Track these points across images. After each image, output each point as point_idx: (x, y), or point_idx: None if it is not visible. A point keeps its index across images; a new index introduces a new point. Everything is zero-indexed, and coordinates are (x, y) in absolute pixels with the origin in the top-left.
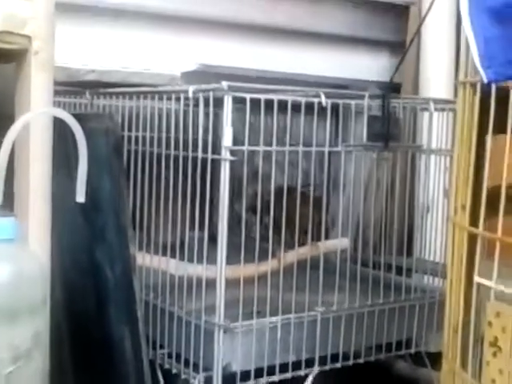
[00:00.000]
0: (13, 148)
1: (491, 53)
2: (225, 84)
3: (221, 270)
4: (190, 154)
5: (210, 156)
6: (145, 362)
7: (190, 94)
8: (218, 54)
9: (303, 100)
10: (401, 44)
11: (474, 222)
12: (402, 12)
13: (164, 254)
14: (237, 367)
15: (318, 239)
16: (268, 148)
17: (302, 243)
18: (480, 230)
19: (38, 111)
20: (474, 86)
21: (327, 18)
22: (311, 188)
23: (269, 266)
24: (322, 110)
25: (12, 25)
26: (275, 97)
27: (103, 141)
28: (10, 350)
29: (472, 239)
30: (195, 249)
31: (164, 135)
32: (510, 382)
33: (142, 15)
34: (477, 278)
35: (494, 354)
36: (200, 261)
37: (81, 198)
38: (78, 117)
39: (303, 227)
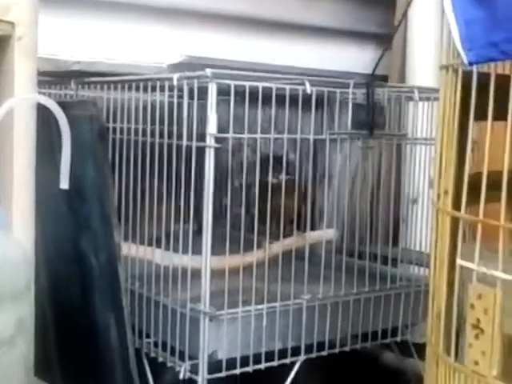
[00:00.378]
0: None
1: (472, 35)
2: (209, 71)
3: (206, 258)
4: (175, 142)
5: (194, 143)
6: (130, 350)
7: (175, 82)
8: (205, 45)
9: (288, 87)
10: (388, 36)
11: (457, 207)
12: (389, 5)
13: (150, 244)
14: (222, 355)
15: (305, 230)
16: (253, 135)
17: (288, 234)
18: (462, 213)
19: (21, 97)
20: (456, 70)
21: (314, 11)
22: (296, 178)
23: (254, 256)
24: (308, 100)
25: None
26: (260, 84)
27: (87, 128)
28: None
29: (456, 224)
30: (180, 239)
31: (149, 126)
32: (492, 363)
33: (128, 6)
34: (459, 261)
35: (477, 337)
36: (186, 251)
37: (64, 184)
38: (62, 104)
39: (289, 217)
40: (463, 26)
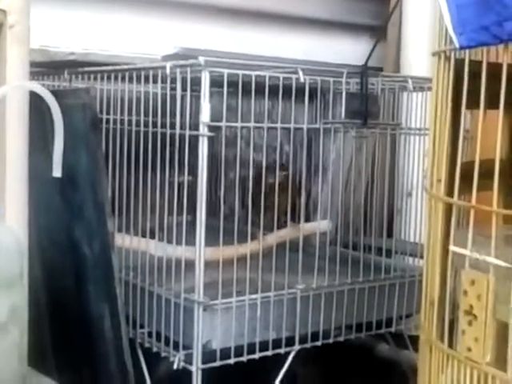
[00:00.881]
0: None
1: (464, 19)
2: (202, 59)
3: (200, 248)
4: (168, 131)
5: (187, 132)
6: (124, 340)
7: (168, 70)
8: (199, 37)
9: (281, 76)
10: (382, 28)
11: (450, 195)
12: None
13: (144, 235)
14: (217, 345)
15: (300, 221)
16: (246, 124)
17: (283, 225)
18: (455, 199)
19: (13, 85)
20: (448, 57)
21: (308, 2)
22: (289, 169)
23: (248, 247)
24: (302, 90)
25: None
26: (253, 72)
27: (80, 116)
28: None
29: (448, 211)
30: (174, 230)
31: (142, 117)
32: (485, 350)
33: None
34: (452, 247)
35: (470, 323)
36: (180, 242)
37: (57, 173)
38: (55, 93)
39: (283, 208)
40: (455, 10)
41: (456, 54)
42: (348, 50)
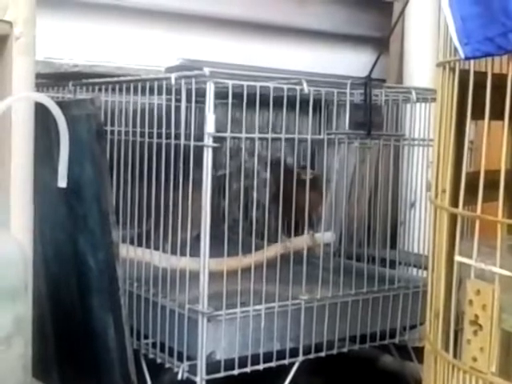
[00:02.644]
0: None
1: (469, 30)
2: (207, 70)
3: (204, 259)
4: (173, 142)
5: (192, 143)
6: (129, 350)
7: (173, 81)
8: (203, 49)
9: (285, 87)
10: (385, 40)
11: (454, 205)
12: (386, 8)
13: (147, 245)
14: (221, 356)
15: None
16: (251, 135)
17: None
18: (460, 209)
19: (19, 95)
20: (452, 68)
21: (312, 14)
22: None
23: (252, 258)
24: (306, 102)
25: None
26: (257, 83)
27: (85, 127)
28: None
29: (453, 221)
30: (178, 241)
31: (147, 128)
32: (490, 360)
33: (126, 10)
34: (457, 257)
35: (475, 333)
36: (184, 253)
37: (62, 183)
38: (60, 104)
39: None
40: (460, 21)
41: (460, 65)
42: (351, 62)
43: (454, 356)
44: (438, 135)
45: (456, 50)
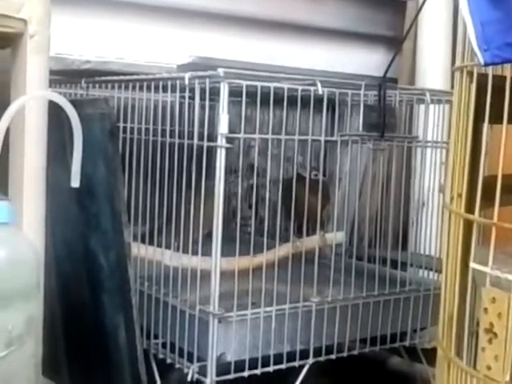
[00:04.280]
0: (7, 132)
1: (489, 35)
2: (221, 71)
3: (216, 259)
4: (186, 142)
5: (205, 143)
6: (139, 350)
7: (186, 81)
8: (215, 46)
9: (300, 88)
10: (398, 39)
11: (470, 210)
12: (400, 7)
13: (159, 244)
14: (231, 357)
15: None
16: (264, 136)
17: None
18: (476, 216)
19: (33, 94)
20: (470, 73)
21: (324, 12)
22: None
23: (264, 258)
24: (320, 102)
25: (7, 8)
26: (271, 84)
27: (98, 126)
28: (2, 334)
29: (468, 227)
30: (190, 240)
31: (159, 127)
32: (505, 368)
33: (139, 6)
34: (472, 264)
35: (490, 341)
36: (195, 252)
37: (75, 183)
38: (74, 102)
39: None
40: (479, 26)
41: (478, 69)
42: (363, 61)
43: (467, 362)
44: (455, 139)
45: (474, 54)
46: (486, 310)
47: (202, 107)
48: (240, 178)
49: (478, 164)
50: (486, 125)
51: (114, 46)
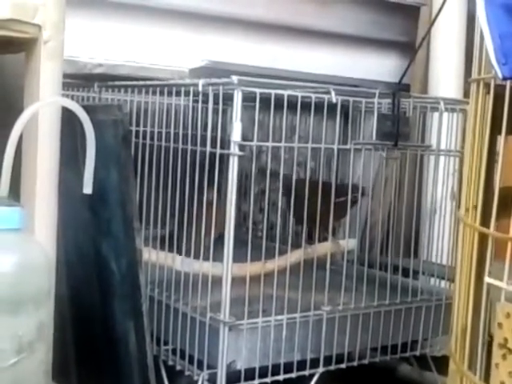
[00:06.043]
0: (20, 138)
1: (507, 49)
2: (235, 78)
3: (227, 268)
4: (199, 149)
5: (218, 151)
6: (149, 357)
7: (200, 88)
8: (227, 50)
9: (313, 96)
10: (410, 45)
11: (484, 222)
12: (413, 13)
13: (170, 249)
14: (241, 365)
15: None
16: (277, 144)
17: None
18: (491, 230)
19: (46, 100)
20: (487, 84)
21: (337, 17)
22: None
23: (275, 264)
24: (332, 108)
25: (22, 13)
26: (285, 92)
27: (111, 132)
28: (13, 341)
29: (482, 239)
30: (202, 245)
31: (172, 130)
32: None
33: (151, 10)
34: (487, 279)
35: (504, 357)
36: (206, 257)
37: (88, 189)
38: (87, 108)
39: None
40: (498, 39)
41: (495, 81)
42: (375, 66)
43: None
44: (471, 152)
45: (492, 67)
46: (500, 324)
47: (214, 111)
48: (252, 183)
49: (493, 176)
50: (502, 136)
51: (127, 49)
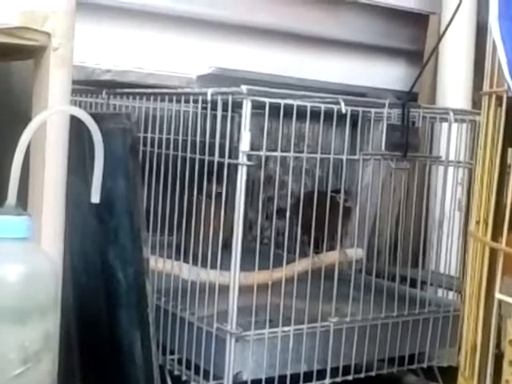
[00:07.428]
0: (28, 147)
1: None
2: (244, 88)
3: (234, 277)
4: (207, 158)
5: (226, 160)
6: (155, 367)
7: (209, 97)
8: (235, 57)
9: (323, 106)
10: (419, 53)
11: (493, 236)
12: (422, 21)
13: (177, 258)
14: (248, 376)
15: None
16: (286, 154)
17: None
18: (503, 245)
19: (55, 109)
20: (499, 97)
21: (345, 25)
22: (341, 195)
23: (283, 273)
24: (340, 117)
25: (31, 21)
26: (294, 102)
27: (120, 141)
28: (19, 351)
29: (491, 254)
30: (209, 254)
31: (180, 137)
32: None
33: (159, 17)
34: (498, 295)
35: None
36: (213, 266)
37: (96, 199)
38: (95, 116)
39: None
40: (511, 53)
41: (508, 93)
42: (384, 74)
43: None
44: (482, 163)
45: (505, 81)
46: (511, 342)
47: (222, 118)
48: (260, 191)
49: (504, 189)
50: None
51: (135, 55)
